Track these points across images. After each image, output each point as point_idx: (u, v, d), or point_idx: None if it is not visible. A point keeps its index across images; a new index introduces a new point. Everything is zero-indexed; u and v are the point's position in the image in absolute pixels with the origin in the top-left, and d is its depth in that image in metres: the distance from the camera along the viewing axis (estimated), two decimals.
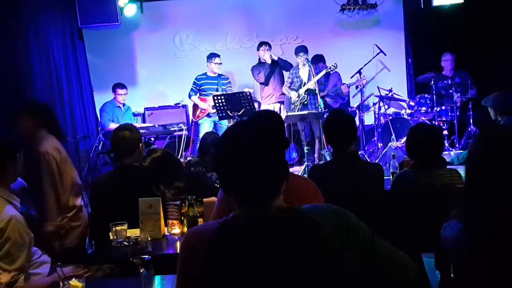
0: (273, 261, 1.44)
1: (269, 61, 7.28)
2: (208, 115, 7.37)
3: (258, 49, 7.42)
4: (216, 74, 7.43)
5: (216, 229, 1.51)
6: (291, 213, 1.50)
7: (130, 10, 7.75)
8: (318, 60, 7.42)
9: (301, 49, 7.09)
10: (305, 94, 6.97)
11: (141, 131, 3.81)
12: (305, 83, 6.99)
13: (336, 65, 6.93)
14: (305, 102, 7.00)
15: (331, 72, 7.01)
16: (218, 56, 7.41)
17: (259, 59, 7.47)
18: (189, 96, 7.49)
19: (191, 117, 7.82)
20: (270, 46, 7.40)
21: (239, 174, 1.48)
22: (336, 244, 1.45)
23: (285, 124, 7.02)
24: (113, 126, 7.10)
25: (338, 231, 1.48)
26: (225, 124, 7.33)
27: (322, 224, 1.47)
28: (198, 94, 7.44)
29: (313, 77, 6.81)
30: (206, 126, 7.35)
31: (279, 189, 1.53)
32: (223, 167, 1.54)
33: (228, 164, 1.52)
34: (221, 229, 1.51)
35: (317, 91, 6.73)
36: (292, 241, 1.45)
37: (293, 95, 7.09)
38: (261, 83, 7.48)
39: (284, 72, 7.51)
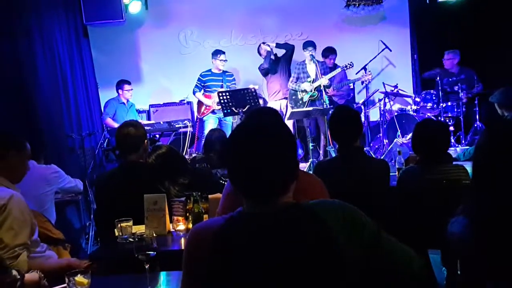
0: (277, 256, 1.43)
1: (268, 49, 7.35)
2: (213, 112, 7.38)
3: (258, 52, 7.46)
4: (221, 71, 7.44)
5: (221, 225, 1.51)
6: (296, 208, 1.50)
7: (135, 7, 7.75)
8: (330, 53, 7.43)
9: (309, 44, 7.09)
10: (315, 90, 6.95)
11: (146, 128, 3.81)
12: (314, 79, 6.97)
13: (352, 64, 6.92)
14: (315, 99, 6.98)
15: (345, 70, 6.99)
16: (224, 53, 7.41)
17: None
18: (194, 93, 7.51)
19: (195, 114, 7.83)
20: (265, 43, 7.50)
21: (250, 169, 1.49)
22: (341, 239, 1.45)
23: (292, 121, 7.06)
24: (110, 121, 7.15)
25: (343, 226, 1.48)
26: (230, 120, 7.34)
27: (327, 219, 1.47)
28: (202, 91, 7.45)
29: (319, 73, 6.82)
30: (211, 123, 7.37)
31: (288, 187, 1.52)
32: (234, 161, 1.53)
33: (239, 159, 1.52)
34: (227, 225, 1.51)
35: (322, 87, 6.74)
36: (296, 237, 1.45)
37: (307, 86, 7.03)
38: (266, 71, 7.44)
39: (290, 61, 7.51)
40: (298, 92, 7.13)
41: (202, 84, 7.45)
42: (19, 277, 2.29)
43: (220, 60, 7.38)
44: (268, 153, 1.48)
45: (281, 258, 1.43)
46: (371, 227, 1.52)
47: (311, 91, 7.00)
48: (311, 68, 7.08)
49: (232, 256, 1.46)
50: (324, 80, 6.87)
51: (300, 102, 7.09)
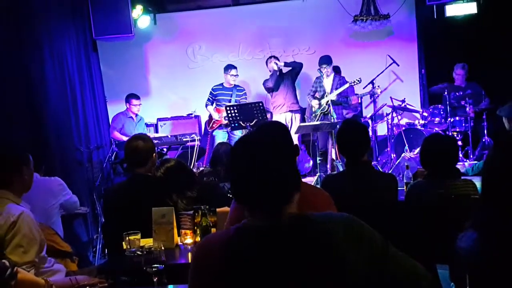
0: (286, 268, 1.44)
1: (275, 68, 7.29)
2: (222, 126, 7.43)
3: (267, 64, 7.48)
4: (232, 85, 7.49)
5: (230, 238, 1.51)
6: (303, 221, 1.50)
7: (143, 22, 7.82)
8: (335, 72, 7.48)
9: (323, 61, 7.13)
10: (326, 104, 6.97)
11: (154, 141, 3.83)
12: (328, 93, 6.99)
13: (360, 80, 6.94)
14: (326, 112, 7.00)
15: (353, 85, 7.01)
16: (235, 68, 7.47)
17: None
18: (206, 106, 7.61)
19: (203, 127, 7.89)
20: (276, 58, 7.46)
21: (251, 179, 1.50)
22: (348, 252, 1.45)
23: (298, 135, 7.07)
24: (117, 134, 7.19)
25: (351, 240, 1.48)
26: (238, 134, 7.37)
27: (335, 232, 1.48)
28: (214, 104, 7.51)
29: (333, 89, 6.87)
30: (220, 137, 7.44)
31: (289, 198, 1.53)
32: (235, 174, 1.55)
33: (240, 171, 1.54)
34: (236, 237, 1.51)
35: (330, 102, 6.77)
36: (304, 249, 1.45)
37: (314, 103, 7.12)
38: (270, 89, 7.47)
39: (296, 77, 7.53)
40: (312, 106, 7.17)
41: (213, 98, 7.54)
42: (8, 265, 2.29)
43: (231, 75, 7.44)
44: (267, 163, 1.50)
45: (290, 270, 1.43)
46: (378, 241, 1.51)
47: (319, 107, 7.04)
48: (328, 83, 7.11)
49: (241, 269, 1.46)
50: (332, 96, 6.90)
51: (313, 115, 7.12)
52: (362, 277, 1.44)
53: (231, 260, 1.47)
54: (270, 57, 7.54)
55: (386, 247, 1.52)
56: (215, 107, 7.52)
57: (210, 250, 1.53)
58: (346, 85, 6.98)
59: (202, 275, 1.53)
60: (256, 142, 1.57)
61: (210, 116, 7.60)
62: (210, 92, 7.53)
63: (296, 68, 7.40)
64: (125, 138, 6.74)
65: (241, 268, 1.46)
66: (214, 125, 7.49)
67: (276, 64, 7.28)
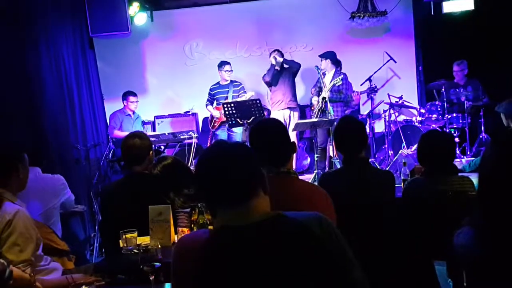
0: (267, 266, 1.46)
1: (273, 62, 7.28)
2: (224, 125, 7.43)
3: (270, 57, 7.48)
4: (228, 81, 7.49)
5: (207, 239, 1.54)
6: (278, 217, 1.54)
7: (140, 19, 7.80)
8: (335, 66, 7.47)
9: (320, 55, 7.16)
10: (322, 101, 6.95)
11: (151, 139, 3.81)
12: (324, 90, 7.00)
13: (346, 76, 6.91)
14: (323, 109, 6.99)
15: (336, 85, 6.98)
16: (228, 63, 7.48)
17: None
18: (206, 106, 7.65)
19: (201, 124, 7.89)
20: (279, 52, 7.43)
21: (216, 175, 1.54)
22: (326, 244, 1.51)
23: (296, 132, 7.06)
24: (117, 133, 7.16)
25: (326, 233, 1.54)
26: (236, 131, 7.37)
27: (310, 225, 1.53)
28: (215, 104, 7.51)
29: (324, 86, 6.84)
30: (222, 136, 7.46)
31: (255, 189, 1.56)
32: (202, 177, 1.60)
33: (208, 169, 1.58)
34: (213, 239, 1.53)
35: (327, 99, 6.76)
36: (285, 243, 1.48)
37: (314, 100, 7.13)
38: (268, 84, 7.45)
39: (295, 75, 7.51)
40: (312, 104, 7.19)
41: (212, 98, 7.57)
42: (6, 265, 2.29)
43: (225, 71, 7.45)
44: (230, 160, 1.56)
45: (272, 267, 1.46)
46: (343, 241, 1.57)
47: (317, 103, 7.03)
48: (327, 79, 7.10)
49: (221, 270, 1.48)
50: (324, 93, 6.88)
51: (314, 112, 7.14)
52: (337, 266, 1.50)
53: (210, 261, 1.49)
54: (274, 50, 7.49)
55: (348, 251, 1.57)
56: (216, 106, 7.52)
57: (187, 252, 1.56)
58: (332, 83, 6.94)
59: (182, 278, 1.56)
60: (223, 150, 1.61)
61: (212, 116, 7.60)
62: (208, 92, 7.57)
63: (293, 67, 7.37)
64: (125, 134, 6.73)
65: (221, 269, 1.48)
66: (215, 124, 7.51)
67: (275, 58, 7.27)
